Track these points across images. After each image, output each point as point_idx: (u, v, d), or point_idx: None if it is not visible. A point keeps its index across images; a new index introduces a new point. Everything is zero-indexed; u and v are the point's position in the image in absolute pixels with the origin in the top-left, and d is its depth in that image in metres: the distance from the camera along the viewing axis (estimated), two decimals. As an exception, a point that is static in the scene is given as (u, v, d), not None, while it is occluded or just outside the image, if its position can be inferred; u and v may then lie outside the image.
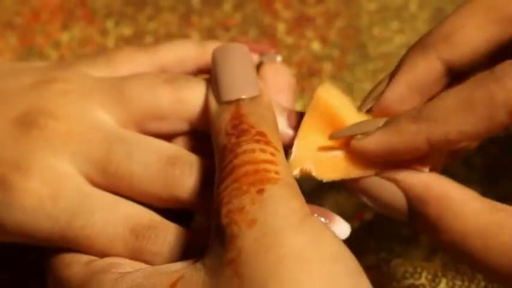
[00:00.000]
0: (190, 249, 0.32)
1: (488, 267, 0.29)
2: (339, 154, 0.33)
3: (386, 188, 0.32)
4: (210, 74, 0.34)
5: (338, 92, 0.34)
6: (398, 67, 0.34)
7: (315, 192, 0.44)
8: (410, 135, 0.31)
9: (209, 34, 0.53)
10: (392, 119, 0.32)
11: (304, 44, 0.52)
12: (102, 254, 0.32)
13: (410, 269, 0.40)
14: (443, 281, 0.40)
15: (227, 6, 0.55)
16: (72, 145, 0.33)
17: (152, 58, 0.37)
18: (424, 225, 0.31)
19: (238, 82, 0.33)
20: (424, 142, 0.30)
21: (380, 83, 0.34)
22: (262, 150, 0.30)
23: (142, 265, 0.32)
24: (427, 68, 0.33)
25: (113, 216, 0.32)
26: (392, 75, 0.34)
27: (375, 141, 0.31)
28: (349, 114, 0.33)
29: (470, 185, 0.43)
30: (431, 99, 0.32)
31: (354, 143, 0.32)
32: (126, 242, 0.32)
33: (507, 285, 0.30)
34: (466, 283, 0.40)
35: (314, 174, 0.33)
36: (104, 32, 0.53)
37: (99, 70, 0.36)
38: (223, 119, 0.32)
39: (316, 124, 0.33)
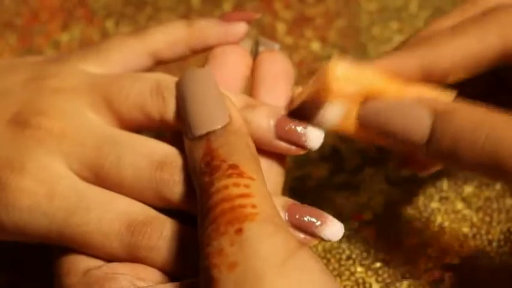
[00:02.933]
0: (188, 245, 0.32)
1: None
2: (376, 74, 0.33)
3: (411, 109, 0.32)
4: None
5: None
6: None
7: (315, 192, 0.44)
8: (405, 58, 0.33)
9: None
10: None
11: (304, 44, 0.52)
12: (99, 252, 0.32)
13: (410, 269, 0.40)
14: (443, 281, 0.40)
15: (227, 6, 0.55)
16: (65, 145, 0.33)
17: (142, 43, 0.37)
18: (448, 138, 0.31)
19: (206, 114, 0.32)
20: (417, 66, 0.33)
21: None
22: (235, 185, 0.29)
23: (140, 273, 0.31)
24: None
25: (109, 213, 0.32)
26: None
27: (378, 62, 0.33)
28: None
29: (466, 183, 0.44)
30: None
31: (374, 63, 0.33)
32: (122, 238, 0.32)
33: None
34: (466, 283, 0.40)
35: (354, 75, 0.32)
36: (103, 32, 0.53)
37: (91, 62, 0.36)
38: (197, 157, 0.31)
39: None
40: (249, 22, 0.38)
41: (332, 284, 0.27)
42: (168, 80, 0.34)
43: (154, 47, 0.37)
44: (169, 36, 0.38)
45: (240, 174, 0.29)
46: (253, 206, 0.28)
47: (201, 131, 0.31)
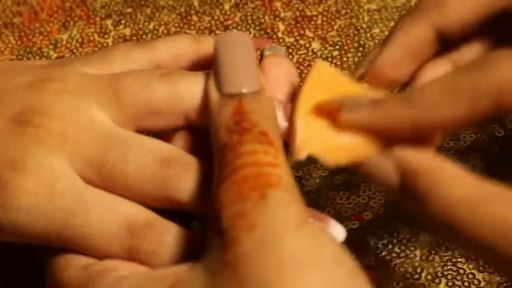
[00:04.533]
0: (189, 249, 0.31)
1: (470, 238, 0.28)
2: (346, 139, 0.32)
3: (382, 167, 0.31)
4: (212, 64, 0.34)
5: (332, 68, 0.34)
6: (391, 33, 0.35)
7: (315, 192, 0.44)
8: (394, 118, 0.31)
9: (209, 34, 0.53)
10: (380, 98, 0.32)
11: (304, 43, 0.52)
12: (99, 254, 0.32)
13: (410, 269, 0.40)
14: (443, 281, 0.40)
15: (227, 6, 0.55)
16: (68, 145, 0.33)
17: (147, 54, 0.37)
18: (414, 198, 0.30)
19: (241, 74, 0.32)
20: (407, 126, 0.31)
21: (372, 50, 0.35)
22: (265, 152, 0.29)
23: (140, 268, 0.31)
24: (418, 33, 0.34)
25: (109, 215, 0.32)
26: (385, 41, 0.34)
27: (360, 118, 0.31)
28: (346, 86, 0.33)
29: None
30: (423, 64, 0.34)
31: (342, 114, 0.32)
32: (122, 241, 0.32)
33: (484, 259, 0.29)
34: (466, 283, 0.40)
35: (322, 160, 0.32)
36: (103, 32, 0.53)
37: (95, 67, 0.36)
38: (225, 114, 0.31)
39: (314, 97, 0.33)
40: (258, 49, 0.38)
41: (343, 247, 0.28)
42: (180, 70, 0.34)
43: (158, 58, 0.37)
44: (175, 48, 0.37)
45: (270, 144, 0.30)
46: (279, 176, 0.29)
47: (235, 89, 0.32)
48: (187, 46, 0.37)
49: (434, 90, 0.30)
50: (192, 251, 0.31)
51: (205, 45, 0.37)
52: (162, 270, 0.30)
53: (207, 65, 0.37)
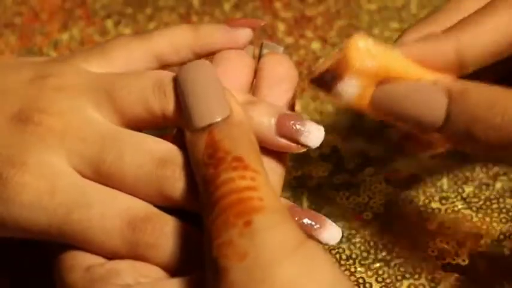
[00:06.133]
0: (189, 243, 0.32)
1: None
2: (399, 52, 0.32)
3: (427, 91, 0.31)
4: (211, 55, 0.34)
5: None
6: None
7: (315, 192, 0.44)
8: (441, 41, 0.32)
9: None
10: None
11: (304, 44, 0.52)
12: (100, 249, 0.32)
13: (410, 269, 0.40)
14: (443, 281, 0.40)
15: (227, 6, 0.55)
16: (66, 142, 0.33)
17: (147, 46, 0.37)
18: (463, 120, 0.30)
19: (207, 106, 0.32)
20: (452, 49, 0.32)
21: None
22: (241, 177, 0.29)
23: (143, 270, 0.32)
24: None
25: (110, 210, 0.32)
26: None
27: (408, 46, 0.32)
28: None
29: (466, 183, 0.44)
30: None
31: (396, 44, 0.33)
32: (123, 235, 0.32)
33: None
34: (466, 283, 0.40)
35: (375, 51, 0.32)
36: (103, 32, 0.53)
37: (95, 62, 0.36)
38: (199, 149, 0.31)
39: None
40: (254, 29, 0.38)
41: (339, 270, 0.27)
42: (171, 77, 0.34)
43: (158, 50, 0.37)
44: (174, 40, 0.37)
45: (245, 167, 0.30)
46: (260, 199, 0.28)
47: (202, 122, 0.31)
48: (186, 36, 0.38)
49: (474, 15, 0.32)
50: (192, 245, 0.31)
51: (203, 34, 0.37)
52: (165, 285, 0.30)
53: (206, 53, 0.38)
